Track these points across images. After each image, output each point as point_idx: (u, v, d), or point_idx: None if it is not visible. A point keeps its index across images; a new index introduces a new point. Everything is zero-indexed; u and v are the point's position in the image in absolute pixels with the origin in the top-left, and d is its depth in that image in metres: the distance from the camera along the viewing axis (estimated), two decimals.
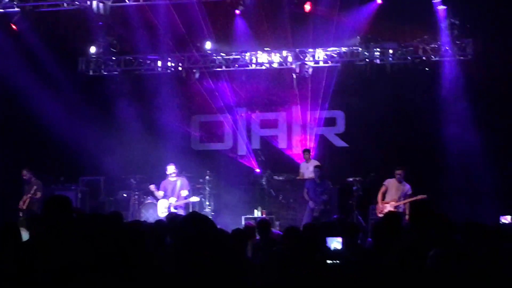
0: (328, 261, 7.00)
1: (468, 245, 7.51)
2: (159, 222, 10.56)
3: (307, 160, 20.15)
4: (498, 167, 18.97)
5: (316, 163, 19.76)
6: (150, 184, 19.05)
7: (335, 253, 7.18)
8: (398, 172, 17.67)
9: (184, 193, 18.41)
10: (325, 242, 6.84)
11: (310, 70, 21.01)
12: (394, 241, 7.15)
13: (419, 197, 17.12)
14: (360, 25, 20.26)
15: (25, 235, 8.52)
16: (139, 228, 5.98)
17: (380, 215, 17.00)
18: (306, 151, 20.49)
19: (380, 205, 17.68)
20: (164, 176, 18.81)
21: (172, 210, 17.90)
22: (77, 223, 6.36)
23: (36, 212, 13.08)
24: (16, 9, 19.13)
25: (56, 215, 6.21)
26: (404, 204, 17.33)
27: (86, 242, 5.31)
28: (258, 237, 10.69)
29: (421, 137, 20.36)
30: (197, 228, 4.54)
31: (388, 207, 17.23)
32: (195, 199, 18.75)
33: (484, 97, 19.59)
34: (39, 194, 18.72)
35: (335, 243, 7.27)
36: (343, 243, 7.22)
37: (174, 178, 18.52)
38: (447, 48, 19.98)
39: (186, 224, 4.61)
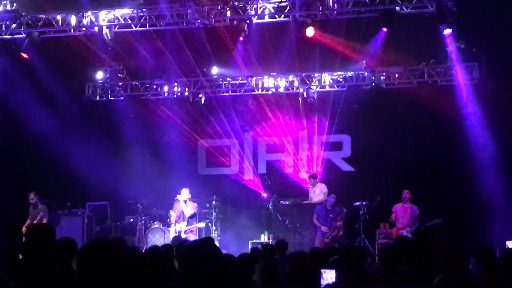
0: None
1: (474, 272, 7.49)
2: (166, 246, 10.57)
3: (313, 185, 20.04)
4: (507, 190, 18.86)
5: (323, 186, 19.76)
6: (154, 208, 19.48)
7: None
8: (404, 192, 18.03)
9: (189, 212, 18.53)
10: (320, 275, 6.83)
11: (316, 94, 21.05)
12: (401, 267, 7.13)
13: (434, 221, 17.23)
14: (367, 54, 20.24)
15: None
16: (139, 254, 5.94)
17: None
18: (312, 176, 20.36)
19: (394, 230, 17.87)
20: (172, 199, 18.91)
21: (183, 235, 17.96)
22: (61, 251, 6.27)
23: None
24: (23, 35, 19.21)
25: (37, 244, 6.15)
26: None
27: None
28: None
29: (427, 160, 20.32)
30: (202, 256, 4.57)
31: (405, 233, 17.28)
32: (201, 225, 18.83)
33: (491, 119, 19.50)
34: (45, 220, 18.68)
35: (329, 277, 7.25)
36: (338, 276, 7.21)
37: (186, 203, 18.62)
38: (453, 72, 20.01)
39: (191, 252, 4.64)
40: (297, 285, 5.68)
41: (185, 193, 18.71)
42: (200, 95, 21.70)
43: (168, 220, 19.18)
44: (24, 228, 18.62)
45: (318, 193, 19.72)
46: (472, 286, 5.85)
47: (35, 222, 18.48)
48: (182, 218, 18.58)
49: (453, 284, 5.00)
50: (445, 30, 17.98)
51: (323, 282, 7.13)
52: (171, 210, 18.88)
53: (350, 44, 20.13)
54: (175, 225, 18.60)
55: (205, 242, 4.88)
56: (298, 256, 8.17)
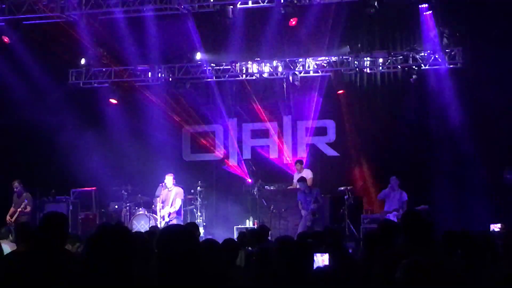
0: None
1: (449, 254, 7.52)
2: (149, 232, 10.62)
3: (299, 171, 20.10)
4: (490, 175, 18.93)
5: (309, 172, 19.82)
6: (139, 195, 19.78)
7: (321, 270, 7.17)
8: (392, 179, 18.04)
9: (178, 202, 18.55)
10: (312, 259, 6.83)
11: (300, 79, 21.04)
12: (385, 250, 7.13)
13: (421, 207, 17.26)
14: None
15: (7, 248, 8.38)
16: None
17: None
18: (298, 162, 20.44)
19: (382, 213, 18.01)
20: (156, 186, 18.92)
21: (166, 219, 18.03)
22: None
23: (27, 223, 12.92)
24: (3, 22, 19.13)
25: (52, 232, 6.18)
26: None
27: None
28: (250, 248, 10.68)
29: (411, 145, 20.34)
30: (173, 242, 4.65)
31: (391, 217, 17.34)
32: (178, 202, 18.85)
33: (474, 105, 19.55)
34: (29, 208, 18.57)
35: (320, 260, 7.25)
36: (331, 259, 7.21)
37: (170, 188, 18.63)
38: (436, 56, 20.05)
39: (161, 239, 4.74)
40: (288, 268, 5.68)
41: (169, 180, 18.70)
42: (185, 81, 21.63)
43: (153, 206, 19.20)
44: (8, 217, 18.50)
45: None
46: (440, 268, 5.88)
47: (19, 210, 18.43)
48: (167, 202, 18.59)
49: (417, 267, 5.01)
50: (425, 12, 18.03)
51: (315, 265, 7.12)
52: (157, 198, 18.89)
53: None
54: (160, 212, 18.60)
55: (175, 228, 4.95)
56: (285, 240, 8.18)
